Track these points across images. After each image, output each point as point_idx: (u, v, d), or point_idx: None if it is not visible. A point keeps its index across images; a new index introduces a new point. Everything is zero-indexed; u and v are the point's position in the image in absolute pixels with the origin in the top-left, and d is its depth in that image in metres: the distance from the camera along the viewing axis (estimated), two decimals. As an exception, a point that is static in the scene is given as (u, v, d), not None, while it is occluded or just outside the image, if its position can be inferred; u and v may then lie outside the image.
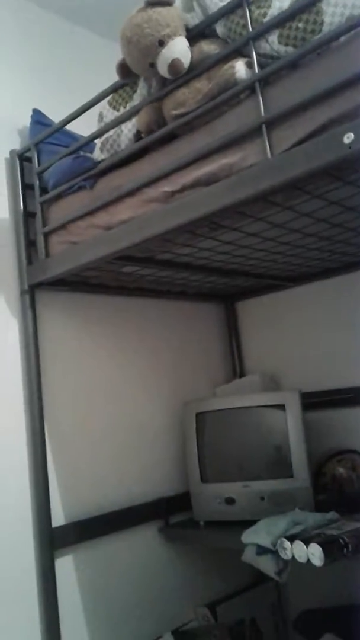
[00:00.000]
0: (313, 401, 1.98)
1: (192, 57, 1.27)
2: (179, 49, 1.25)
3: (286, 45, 1.15)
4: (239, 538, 1.54)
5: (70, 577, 1.65)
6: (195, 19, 1.30)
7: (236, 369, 2.31)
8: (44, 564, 1.57)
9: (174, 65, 1.24)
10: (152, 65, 1.27)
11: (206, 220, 1.30)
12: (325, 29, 1.10)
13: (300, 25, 1.13)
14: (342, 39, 1.07)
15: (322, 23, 1.10)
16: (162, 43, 1.24)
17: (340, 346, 2.02)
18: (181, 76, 1.28)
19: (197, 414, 1.88)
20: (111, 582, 1.74)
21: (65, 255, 1.59)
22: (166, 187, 1.33)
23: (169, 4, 1.27)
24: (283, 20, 1.14)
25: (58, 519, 1.65)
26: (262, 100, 1.15)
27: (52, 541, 1.59)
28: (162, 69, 1.26)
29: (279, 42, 1.16)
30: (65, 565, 1.64)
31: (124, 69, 1.35)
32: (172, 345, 2.13)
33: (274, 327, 2.23)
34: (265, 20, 1.17)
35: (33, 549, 1.59)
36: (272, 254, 1.70)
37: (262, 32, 1.17)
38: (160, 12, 1.25)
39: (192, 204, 1.27)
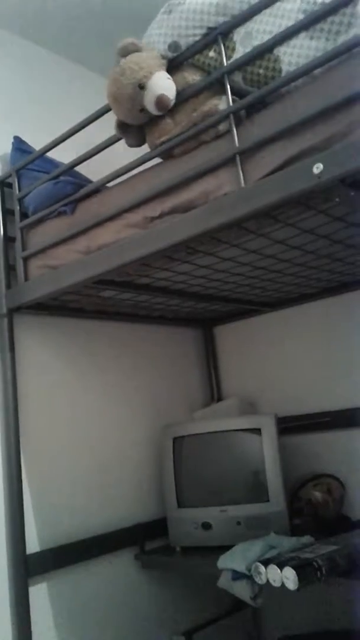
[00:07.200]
0: (290, 425, 1.99)
1: (176, 88, 1.29)
2: (161, 84, 1.27)
3: (251, 86, 1.22)
4: (215, 563, 1.53)
5: (44, 605, 1.62)
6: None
7: (214, 393, 2.32)
8: (18, 592, 1.55)
9: (160, 101, 1.27)
10: (143, 109, 1.30)
11: (183, 245, 1.33)
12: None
13: (261, 71, 1.20)
14: (300, 81, 1.13)
15: (280, 70, 1.17)
16: (142, 86, 1.27)
17: (316, 370, 2.05)
18: None
19: (175, 438, 1.88)
20: (86, 610, 1.72)
21: (44, 279, 1.61)
22: (146, 212, 1.36)
23: (138, 50, 1.29)
24: (242, 64, 1.21)
25: (33, 545, 1.62)
26: (237, 132, 1.20)
27: (26, 568, 1.57)
28: (152, 108, 1.28)
29: (245, 84, 1.22)
30: (40, 593, 1.62)
31: (121, 126, 1.37)
32: (150, 369, 2.13)
33: (252, 352, 2.25)
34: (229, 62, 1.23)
35: (7, 576, 1.56)
36: (248, 278, 1.73)
37: (231, 70, 1.23)
38: (131, 59, 1.28)
39: (169, 230, 1.30)
